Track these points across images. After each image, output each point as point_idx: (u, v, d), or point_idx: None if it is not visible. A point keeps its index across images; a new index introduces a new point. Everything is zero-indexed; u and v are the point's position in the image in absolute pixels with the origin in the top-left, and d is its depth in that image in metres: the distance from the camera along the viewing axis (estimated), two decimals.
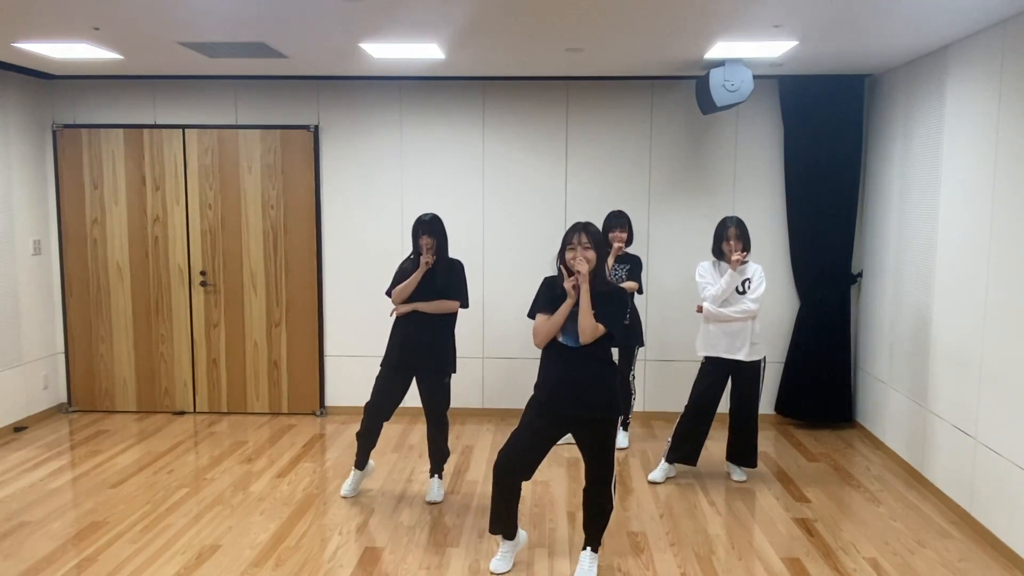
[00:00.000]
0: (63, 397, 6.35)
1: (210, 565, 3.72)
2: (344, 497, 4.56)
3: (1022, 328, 3.77)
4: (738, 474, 4.90)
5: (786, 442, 5.69)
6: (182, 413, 6.30)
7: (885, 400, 5.44)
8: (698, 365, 4.78)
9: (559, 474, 4.97)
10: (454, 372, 4.53)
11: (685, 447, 4.82)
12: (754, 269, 4.67)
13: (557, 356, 3.44)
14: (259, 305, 6.19)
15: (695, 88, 5.48)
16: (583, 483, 3.61)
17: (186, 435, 5.75)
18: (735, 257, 4.54)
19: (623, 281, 5.18)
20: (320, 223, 6.14)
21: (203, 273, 6.18)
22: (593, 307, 3.33)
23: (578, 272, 3.34)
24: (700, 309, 4.69)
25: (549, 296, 3.46)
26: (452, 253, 6.05)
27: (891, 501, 4.58)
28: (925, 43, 4.58)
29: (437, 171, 6.09)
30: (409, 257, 4.49)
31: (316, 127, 6.06)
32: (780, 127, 5.91)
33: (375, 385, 4.49)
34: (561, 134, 6.03)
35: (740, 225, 4.62)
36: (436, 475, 4.58)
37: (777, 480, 4.90)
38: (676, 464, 4.92)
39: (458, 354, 6.10)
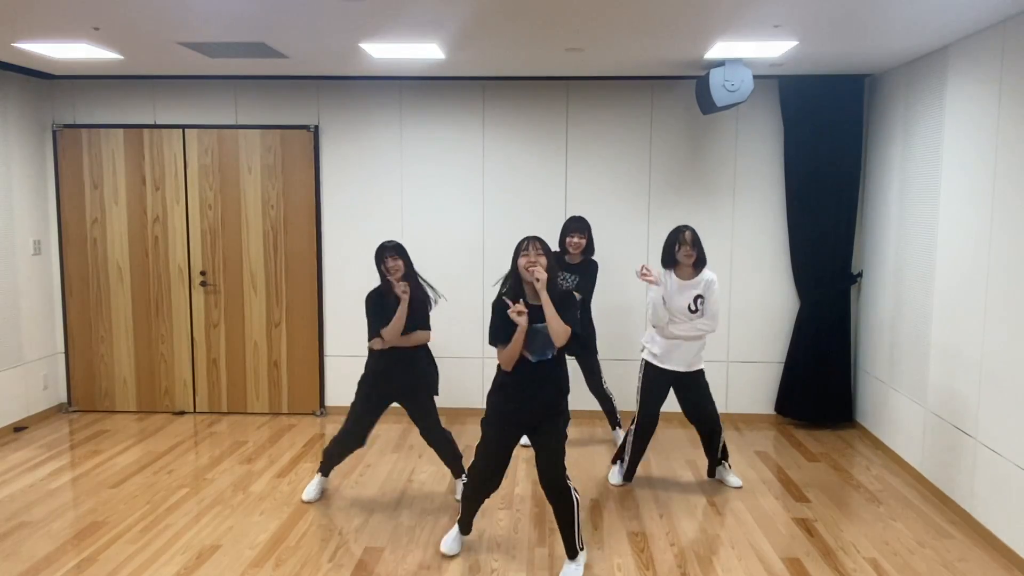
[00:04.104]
0: (63, 397, 6.35)
1: (210, 565, 3.72)
2: (306, 501, 4.49)
3: (1022, 328, 3.77)
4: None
5: (786, 442, 5.69)
6: (182, 413, 6.30)
7: (885, 400, 5.44)
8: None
9: None
10: (435, 382, 4.48)
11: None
12: (707, 282, 4.42)
13: (526, 372, 3.52)
14: (259, 305, 6.19)
15: (695, 88, 5.48)
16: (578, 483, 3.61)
17: (186, 435, 5.75)
18: (649, 276, 4.38)
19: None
20: (320, 223, 6.14)
21: (203, 273, 6.18)
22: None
23: (536, 279, 3.40)
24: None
25: (508, 323, 3.45)
26: (453, 253, 6.10)
27: (891, 501, 4.58)
28: (925, 43, 4.58)
29: (437, 171, 6.09)
30: (378, 289, 4.30)
31: (316, 127, 6.07)
32: (780, 127, 5.91)
33: (355, 410, 4.40)
34: (561, 134, 6.03)
35: (696, 234, 4.43)
36: (461, 477, 4.50)
37: (777, 480, 4.90)
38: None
39: (459, 354, 6.15)
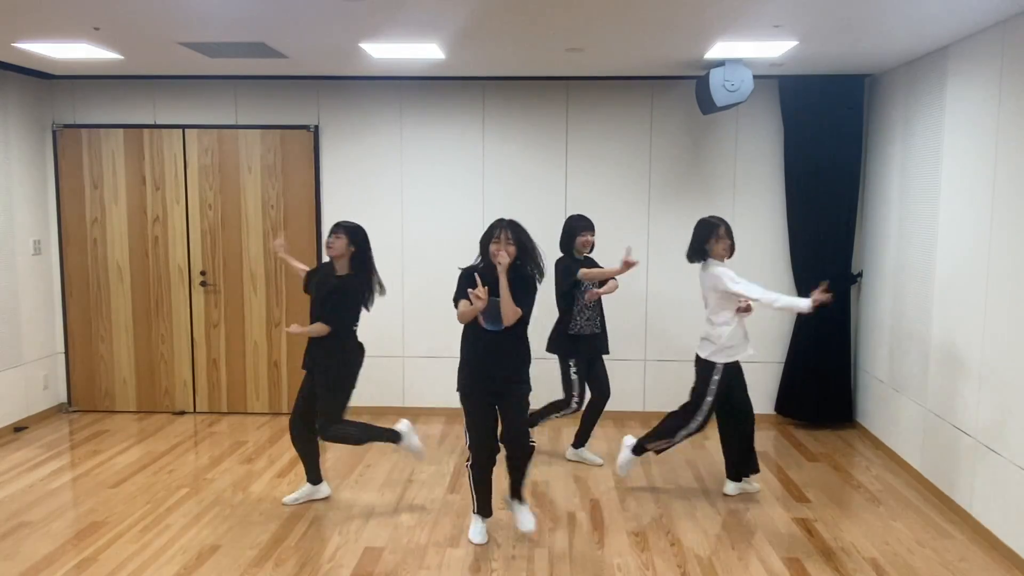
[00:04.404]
0: (63, 397, 6.35)
1: (210, 565, 3.72)
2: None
3: (1022, 328, 3.76)
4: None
5: (786, 442, 5.69)
6: (182, 413, 6.30)
7: (885, 400, 5.44)
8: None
9: (558, 474, 4.97)
10: (335, 376, 4.28)
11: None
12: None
13: (481, 339, 3.87)
14: (259, 305, 6.19)
15: (695, 88, 5.48)
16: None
17: (186, 435, 5.75)
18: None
19: (594, 289, 4.88)
20: (320, 223, 6.14)
21: (203, 273, 6.18)
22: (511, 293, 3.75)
23: (499, 263, 3.71)
24: (747, 308, 4.43)
25: (465, 292, 3.79)
26: (452, 252, 6.07)
27: (891, 501, 4.58)
28: (925, 43, 4.58)
29: (437, 171, 6.09)
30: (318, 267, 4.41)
31: (316, 127, 6.06)
32: (780, 127, 5.91)
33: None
34: (561, 134, 6.03)
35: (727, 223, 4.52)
36: (311, 482, 4.45)
37: (777, 480, 4.90)
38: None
39: (455, 354, 6.13)
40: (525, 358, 3.94)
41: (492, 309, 3.76)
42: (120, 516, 4.27)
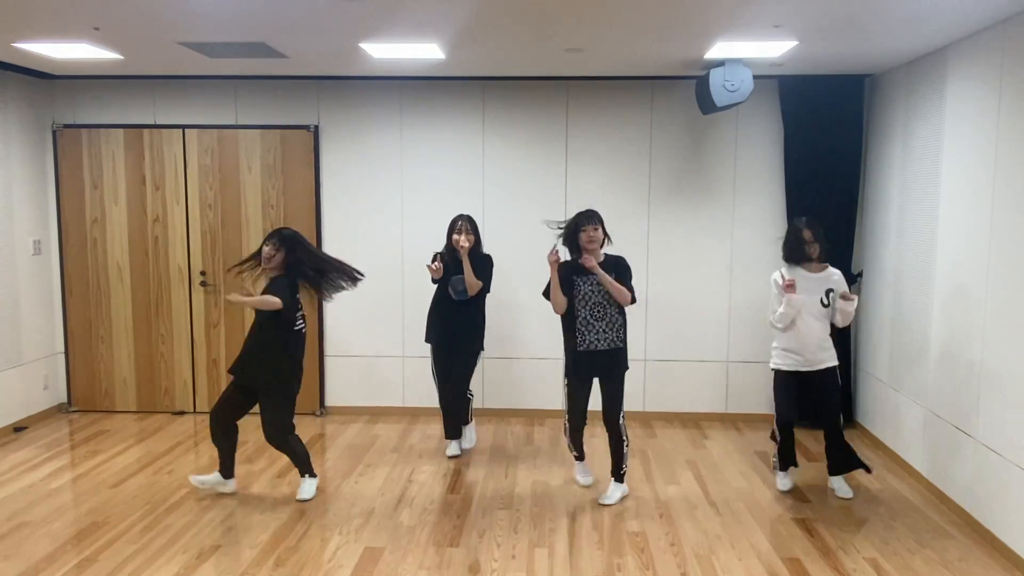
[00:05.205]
0: (63, 397, 6.35)
1: (210, 565, 3.72)
2: (193, 483, 4.55)
3: (1022, 328, 3.77)
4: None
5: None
6: (182, 413, 6.29)
7: (885, 400, 5.44)
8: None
9: (558, 474, 4.97)
10: (283, 382, 4.39)
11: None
12: (837, 276, 4.51)
13: (446, 306, 5.04)
14: None
15: (695, 88, 5.48)
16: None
17: (186, 435, 5.75)
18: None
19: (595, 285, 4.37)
20: (320, 223, 6.14)
21: (203, 273, 6.18)
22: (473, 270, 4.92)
23: (461, 247, 4.89)
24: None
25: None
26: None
27: (891, 501, 4.58)
28: (925, 43, 4.58)
29: (437, 171, 6.09)
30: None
31: (316, 127, 6.07)
32: (780, 127, 5.91)
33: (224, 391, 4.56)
34: (561, 134, 6.03)
35: (813, 225, 4.44)
36: (307, 474, 4.55)
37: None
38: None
39: None
40: (479, 322, 5.08)
41: (459, 285, 4.93)
42: (120, 516, 4.27)
